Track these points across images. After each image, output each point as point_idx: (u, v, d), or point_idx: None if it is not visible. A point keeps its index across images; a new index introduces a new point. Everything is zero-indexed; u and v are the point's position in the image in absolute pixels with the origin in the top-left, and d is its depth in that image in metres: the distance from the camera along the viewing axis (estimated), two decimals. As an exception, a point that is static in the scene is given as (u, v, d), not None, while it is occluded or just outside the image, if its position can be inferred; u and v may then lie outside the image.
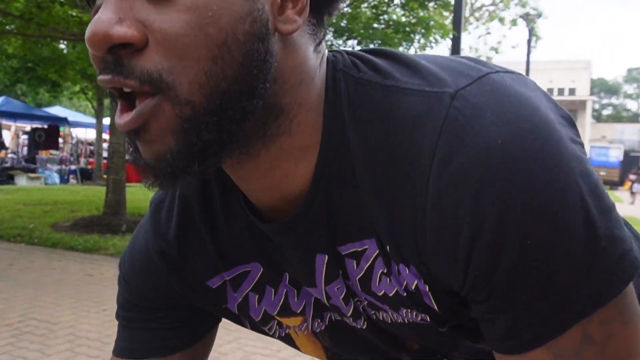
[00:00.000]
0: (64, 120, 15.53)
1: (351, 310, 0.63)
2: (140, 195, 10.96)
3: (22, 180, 13.75)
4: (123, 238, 6.51)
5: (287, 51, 0.52)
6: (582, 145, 0.49)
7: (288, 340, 0.73)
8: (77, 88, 14.77)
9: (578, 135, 0.50)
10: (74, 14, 8.80)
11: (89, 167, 16.76)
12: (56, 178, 14.58)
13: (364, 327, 0.65)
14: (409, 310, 0.59)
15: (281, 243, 0.61)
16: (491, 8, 18.08)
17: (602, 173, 28.78)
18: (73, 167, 16.00)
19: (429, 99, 0.50)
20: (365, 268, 0.58)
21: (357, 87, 0.54)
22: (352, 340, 0.68)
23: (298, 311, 0.67)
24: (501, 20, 18.54)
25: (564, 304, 0.47)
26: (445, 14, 11.30)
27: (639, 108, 65.66)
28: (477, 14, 18.60)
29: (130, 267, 0.72)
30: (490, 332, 0.52)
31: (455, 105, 0.48)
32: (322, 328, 0.68)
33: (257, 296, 0.67)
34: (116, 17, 0.45)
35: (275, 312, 0.67)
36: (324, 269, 0.60)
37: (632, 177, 26.80)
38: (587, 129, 40.60)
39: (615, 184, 32.22)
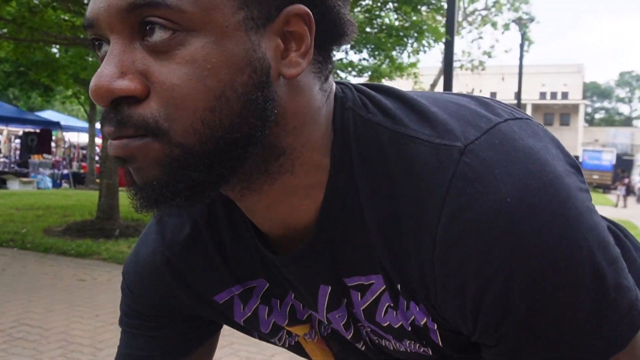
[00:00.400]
0: (57, 125, 15.47)
1: (351, 335, 0.65)
2: (133, 200, 10.92)
3: (14, 185, 13.67)
4: (116, 243, 6.48)
5: (291, 93, 0.52)
6: (588, 191, 0.50)
7: (298, 348, 0.73)
8: (69, 92, 14.72)
9: (584, 181, 0.50)
10: (66, 18, 8.77)
11: (82, 171, 16.70)
12: (48, 182, 14.51)
13: (363, 349, 0.67)
14: (413, 342, 0.60)
15: (286, 271, 0.61)
16: (484, 12, 18.17)
17: (595, 177, 28.89)
18: (65, 171, 15.94)
19: (438, 151, 0.50)
20: (370, 301, 0.59)
21: (365, 130, 0.54)
22: (357, 349, 0.69)
23: (304, 319, 0.68)
24: (494, 24, 18.62)
25: (575, 354, 0.48)
26: (439, 18, 11.34)
27: (631, 112, 66.04)
28: (470, 19, 18.68)
29: (135, 275, 0.72)
30: None
31: (464, 160, 0.48)
32: (329, 331, 0.69)
33: (267, 308, 0.67)
34: (118, 70, 0.46)
35: (285, 323, 0.68)
36: (327, 298, 0.61)
37: (625, 180, 26.96)
38: (580, 132, 40.81)
39: (608, 187, 32.35)
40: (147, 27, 0.46)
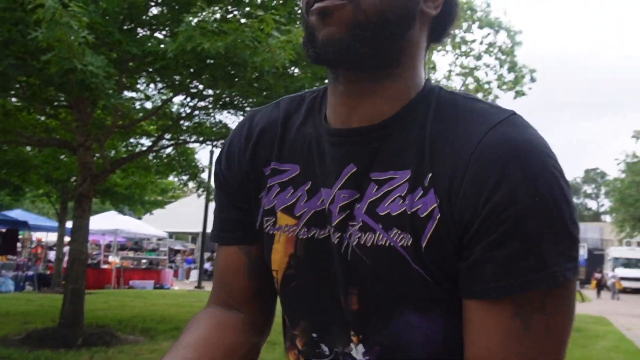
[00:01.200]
0: (24, 224, 15.11)
1: (337, 221, 0.77)
2: (100, 304, 10.51)
3: (-26, 289, 13.08)
4: (78, 353, 6.12)
5: (418, 29, 0.77)
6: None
7: (269, 242, 0.84)
8: (40, 191, 14.52)
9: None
10: (42, 118, 8.79)
11: (48, 272, 16.15)
12: (11, 285, 13.93)
13: (336, 242, 0.77)
14: (399, 233, 0.72)
15: (334, 142, 0.78)
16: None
17: (569, 272, 28.88)
18: (30, 272, 15.38)
19: (496, 109, 0.74)
20: (383, 192, 0.74)
21: (446, 93, 0.78)
22: (317, 261, 0.80)
23: (297, 215, 0.81)
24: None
25: (542, 265, 0.65)
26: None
27: (599, 207, 67.70)
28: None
29: (223, 156, 0.90)
30: (476, 276, 0.68)
31: (514, 116, 0.72)
32: (305, 237, 0.80)
33: (278, 189, 0.83)
34: None
35: (281, 208, 0.82)
36: (347, 177, 0.77)
37: (598, 275, 27.06)
38: (551, 228, 41.22)
39: (582, 282, 32.42)
40: None
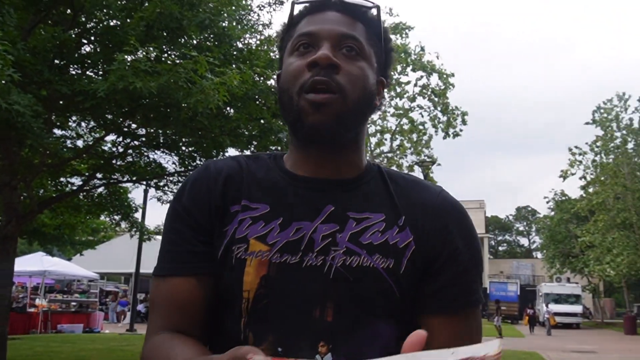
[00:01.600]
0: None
1: (321, 247, 0.94)
2: (24, 351, 9.98)
3: None
4: (-5, 405, 5.75)
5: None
6: None
7: (239, 266, 0.94)
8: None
9: None
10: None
11: (-32, 317, 15.15)
12: None
13: (319, 264, 0.93)
14: (381, 257, 0.93)
15: (306, 189, 0.98)
16: (390, 155, 19.32)
17: (503, 308, 29.53)
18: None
19: (430, 182, 1.07)
20: (362, 227, 0.95)
21: (385, 167, 1.06)
22: (290, 281, 0.92)
23: (270, 243, 0.94)
24: (399, 166, 19.73)
25: (477, 289, 0.97)
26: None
27: (530, 244, 69.99)
28: (377, 160, 19.68)
29: (189, 188, 1.00)
30: (441, 297, 0.95)
31: (444, 189, 1.03)
32: (278, 261, 0.93)
33: (250, 222, 0.96)
34: (333, 54, 0.95)
35: (254, 236, 0.95)
36: (327, 213, 0.96)
37: (530, 311, 27.79)
38: (486, 264, 42.39)
39: (515, 318, 33.16)
40: (345, 46, 0.97)
